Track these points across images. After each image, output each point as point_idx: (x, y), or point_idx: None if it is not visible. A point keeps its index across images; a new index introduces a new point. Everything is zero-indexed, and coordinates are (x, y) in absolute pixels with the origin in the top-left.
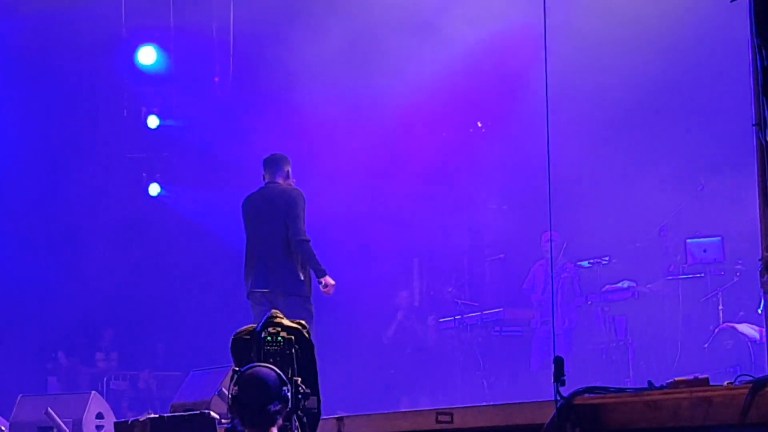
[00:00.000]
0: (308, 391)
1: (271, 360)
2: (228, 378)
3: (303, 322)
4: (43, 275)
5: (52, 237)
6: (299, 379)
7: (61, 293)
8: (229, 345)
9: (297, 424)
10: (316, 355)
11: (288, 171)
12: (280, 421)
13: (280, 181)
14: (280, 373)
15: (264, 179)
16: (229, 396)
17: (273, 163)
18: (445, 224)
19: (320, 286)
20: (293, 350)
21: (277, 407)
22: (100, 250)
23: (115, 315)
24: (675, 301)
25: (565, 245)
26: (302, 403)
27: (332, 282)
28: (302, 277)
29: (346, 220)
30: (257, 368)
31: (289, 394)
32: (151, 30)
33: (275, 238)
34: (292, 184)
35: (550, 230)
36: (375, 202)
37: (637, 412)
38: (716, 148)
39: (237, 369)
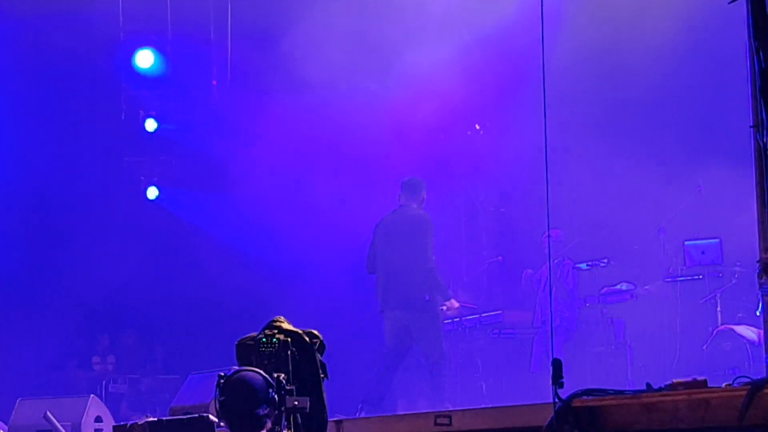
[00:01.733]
0: (291, 388)
1: (266, 362)
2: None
3: (315, 331)
4: (39, 278)
5: (50, 240)
6: (282, 375)
7: (58, 297)
8: (234, 350)
9: (286, 423)
10: (319, 362)
11: (424, 196)
12: (269, 424)
13: (415, 205)
14: (267, 376)
15: (399, 200)
16: (217, 402)
17: (411, 187)
18: (442, 226)
19: (444, 309)
20: (289, 353)
21: (265, 411)
22: (98, 253)
23: (113, 318)
24: (673, 303)
25: (570, 244)
26: (286, 399)
27: (456, 305)
28: (429, 297)
29: (343, 222)
30: (243, 373)
31: (276, 396)
32: (149, 33)
33: (407, 260)
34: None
35: (548, 232)
36: (373, 204)
37: (636, 414)
38: (714, 150)
39: (223, 375)
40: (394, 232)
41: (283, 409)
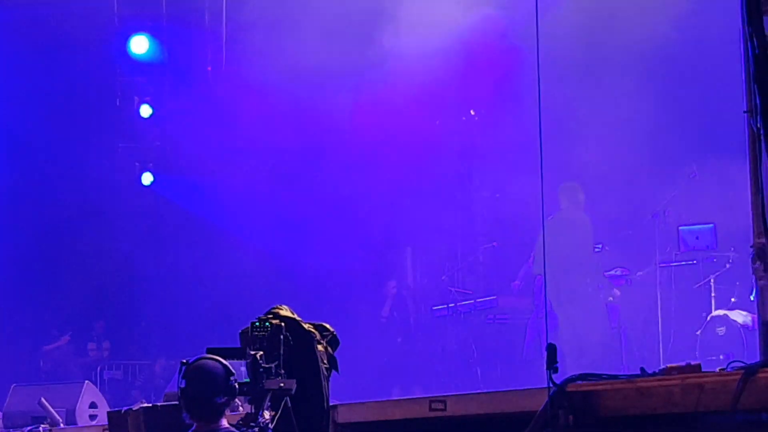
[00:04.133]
0: (270, 366)
1: (258, 345)
2: None
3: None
4: (34, 265)
5: (45, 227)
6: (261, 353)
7: (53, 282)
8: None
9: (269, 404)
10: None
11: (582, 199)
12: (227, 412)
13: (574, 208)
14: (227, 364)
15: (560, 205)
16: (178, 388)
17: (570, 191)
18: (438, 213)
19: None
20: (281, 337)
21: (223, 399)
22: (94, 239)
23: (108, 304)
24: (668, 288)
25: None
26: (264, 379)
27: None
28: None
29: (339, 208)
30: (204, 361)
31: (236, 384)
32: (144, 19)
33: (567, 260)
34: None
35: (542, 219)
36: (368, 190)
37: (630, 399)
38: (708, 136)
39: (185, 361)
40: (559, 234)
41: (261, 387)
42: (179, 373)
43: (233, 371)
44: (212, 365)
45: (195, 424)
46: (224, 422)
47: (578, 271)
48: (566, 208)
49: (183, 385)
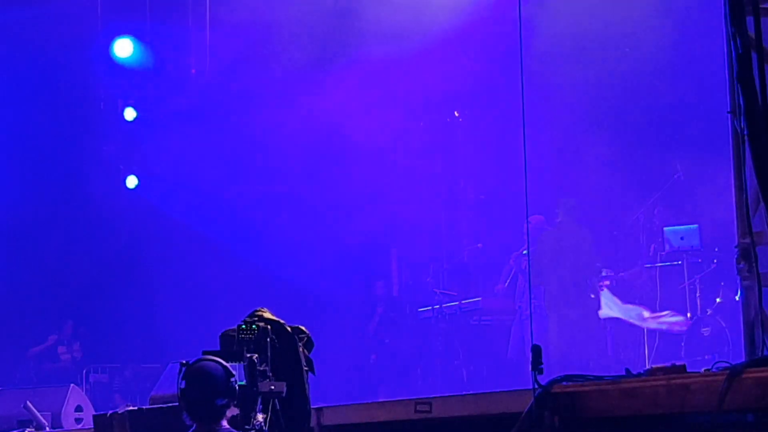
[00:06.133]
0: (265, 368)
1: (245, 348)
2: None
3: (302, 327)
4: (15, 269)
5: (27, 230)
6: (255, 355)
7: (37, 286)
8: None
9: (261, 407)
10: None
11: (577, 212)
12: (229, 414)
13: (572, 220)
14: (228, 366)
15: (557, 218)
16: (178, 389)
17: (568, 206)
18: (422, 214)
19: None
20: (268, 340)
21: (224, 401)
22: (78, 242)
23: (91, 307)
24: (653, 288)
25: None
26: (259, 382)
27: None
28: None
29: (323, 210)
30: (204, 362)
31: (236, 386)
32: (127, 22)
33: (570, 268)
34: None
35: (526, 220)
36: (352, 192)
37: (615, 400)
38: (692, 136)
39: (185, 363)
40: (556, 242)
41: (256, 390)
42: (179, 375)
43: (233, 373)
44: (213, 367)
45: (195, 425)
46: (224, 424)
47: (574, 278)
48: (562, 221)
49: (183, 387)
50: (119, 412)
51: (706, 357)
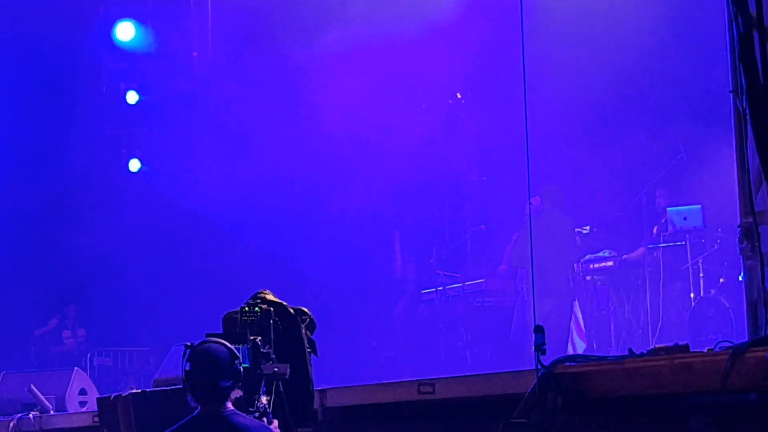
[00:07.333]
0: (269, 351)
1: (248, 330)
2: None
3: (305, 309)
4: (19, 252)
5: (30, 214)
6: (259, 338)
7: (41, 269)
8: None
9: (265, 389)
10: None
11: (562, 200)
12: (233, 396)
13: (557, 209)
14: (232, 348)
15: (542, 206)
16: (182, 371)
17: (554, 194)
18: (425, 196)
19: None
20: (271, 322)
21: (229, 383)
22: (81, 226)
23: (94, 291)
24: (656, 269)
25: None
26: (263, 364)
27: None
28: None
29: (326, 193)
30: (209, 344)
31: (241, 368)
32: (129, 5)
33: (552, 256)
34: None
35: (529, 201)
36: (355, 175)
37: (618, 380)
38: (695, 116)
39: (189, 345)
40: (542, 231)
41: (259, 372)
42: (183, 357)
43: (238, 355)
44: (217, 349)
45: (199, 407)
46: (229, 405)
47: (556, 266)
48: (548, 209)
49: (188, 369)
50: (123, 395)
51: (710, 337)
